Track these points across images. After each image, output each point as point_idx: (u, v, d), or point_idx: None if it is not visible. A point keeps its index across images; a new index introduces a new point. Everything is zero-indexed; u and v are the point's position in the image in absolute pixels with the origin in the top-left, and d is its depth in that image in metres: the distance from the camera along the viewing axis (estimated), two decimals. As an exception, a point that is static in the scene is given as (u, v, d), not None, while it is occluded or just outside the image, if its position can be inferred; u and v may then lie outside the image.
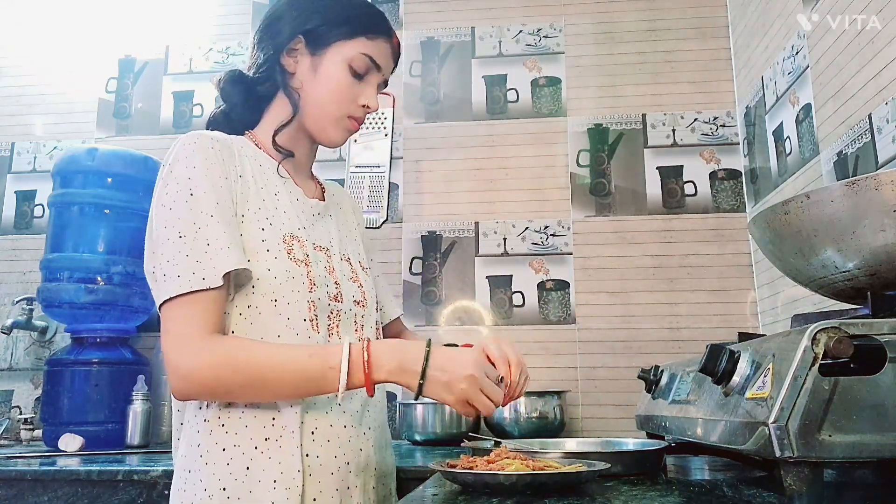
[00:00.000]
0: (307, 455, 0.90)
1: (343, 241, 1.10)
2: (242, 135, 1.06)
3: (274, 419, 0.90)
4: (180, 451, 0.94)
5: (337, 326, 0.99)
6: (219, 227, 0.89)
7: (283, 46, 1.03)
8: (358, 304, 1.04)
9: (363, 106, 1.04)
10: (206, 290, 0.87)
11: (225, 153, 0.95)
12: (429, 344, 0.89)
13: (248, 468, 0.88)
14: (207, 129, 1.06)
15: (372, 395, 0.89)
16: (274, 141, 1.03)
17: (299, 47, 1.03)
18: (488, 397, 0.88)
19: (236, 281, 0.92)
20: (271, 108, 1.06)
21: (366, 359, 0.87)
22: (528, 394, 1.74)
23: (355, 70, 1.02)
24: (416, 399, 0.89)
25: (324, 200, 1.10)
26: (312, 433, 0.92)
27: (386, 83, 1.09)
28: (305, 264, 0.96)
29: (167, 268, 0.88)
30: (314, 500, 0.90)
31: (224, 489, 0.87)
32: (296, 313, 0.93)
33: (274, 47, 1.03)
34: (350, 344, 0.88)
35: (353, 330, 1.02)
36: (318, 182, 1.15)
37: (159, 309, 0.89)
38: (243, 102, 1.06)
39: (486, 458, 0.87)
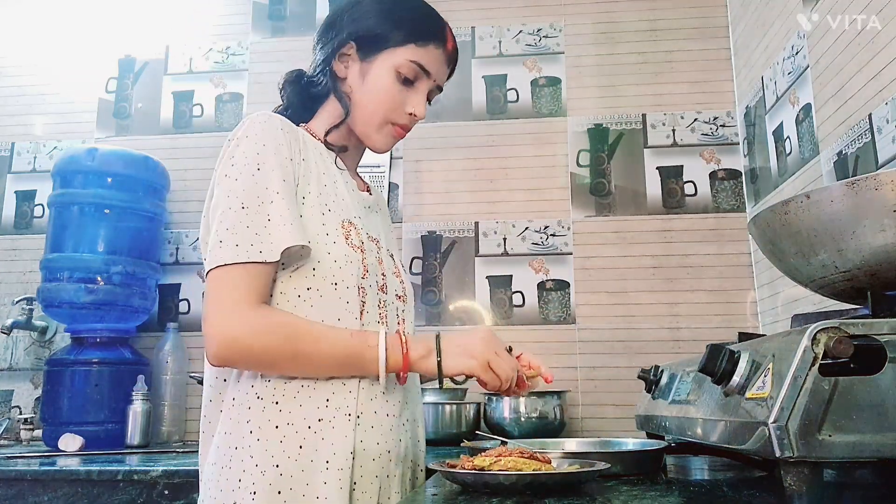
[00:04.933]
0: (356, 439, 0.91)
1: (387, 236, 1.13)
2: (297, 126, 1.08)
3: (328, 400, 0.90)
4: (220, 426, 0.92)
5: (385, 317, 1.01)
6: (283, 204, 0.90)
7: (336, 51, 1.04)
8: (399, 298, 1.06)
9: (410, 114, 1.04)
10: (262, 262, 0.88)
11: (291, 136, 0.98)
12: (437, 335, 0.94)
13: (300, 447, 0.88)
14: None
15: (403, 383, 0.93)
16: (326, 139, 1.05)
17: (351, 53, 1.04)
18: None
19: (291, 260, 0.92)
20: (325, 107, 1.08)
21: (404, 340, 0.91)
22: (529, 394, 1.74)
23: (403, 76, 1.02)
24: (441, 385, 0.93)
25: (371, 195, 1.13)
26: (359, 417, 0.92)
27: (440, 89, 1.08)
28: (361, 251, 0.98)
29: (225, 235, 0.88)
30: (354, 483, 0.90)
31: (277, 466, 0.87)
32: (353, 297, 0.94)
33: (328, 52, 1.05)
34: (385, 332, 0.92)
35: (396, 322, 1.04)
36: (363, 180, 1.17)
37: (207, 274, 0.89)
38: (299, 102, 1.09)
39: (483, 454, 0.86)
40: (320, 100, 1.08)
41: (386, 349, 0.90)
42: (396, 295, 1.05)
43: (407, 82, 1.03)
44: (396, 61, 1.01)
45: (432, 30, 1.04)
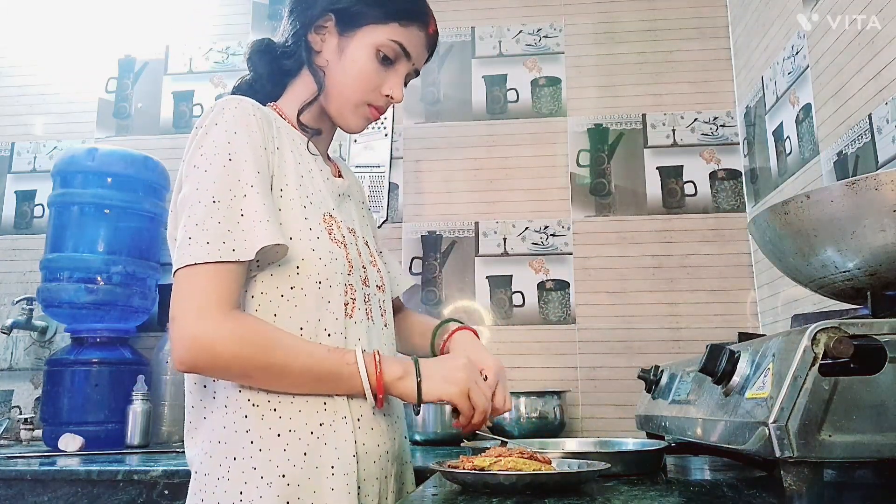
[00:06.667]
0: (356, 441, 0.89)
1: (361, 223, 1.08)
2: (265, 105, 1.02)
3: (325, 404, 0.88)
4: (209, 434, 0.87)
5: (370, 311, 0.98)
6: (257, 199, 0.85)
7: (312, 22, 0.99)
8: (379, 288, 1.02)
9: (386, 96, 1.00)
10: (234, 262, 0.82)
11: (264, 123, 0.92)
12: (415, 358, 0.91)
13: (305, 454, 0.85)
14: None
15: (380, 406, 0.89)
16: (298, 119, 1.00)
17: (328, 25, 0.98)
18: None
19: (266, 258, 0.87)
20: (295, 82, 1.03)
21: (378, 361, 0.87)
22: (529, 394, 1.74)
23: (383, 55, 0.98)
24: (417, 408, 0.89)
25: (343, 179, 1.08)
26: (358, 420, 0.90)
27: (417, 73, 1.05)
28: (344, 245, 0.94)
29: (195, 232, 0.82)
30: (358, 487, 0.89)
31: (283, 476, 0.84)
32: (336, 297, 0.91)
33: (303, 22, 0.99)
34: (362, 350, 0.88)
35: (380, 314, 1.01)
36: (334, 162, 1.12)
37: (175, 273, 0.83)
38: (268, 74, 1.03)
39: (483, 454, 0.86)
40: (291, 74, 1.03)
41: (366, 370, 0.86)
42: (377, 286, 1.02)
43: (386, 62, 0.98)
44: (378, 39, 0.97)
45: (416, 10, 1.00)
